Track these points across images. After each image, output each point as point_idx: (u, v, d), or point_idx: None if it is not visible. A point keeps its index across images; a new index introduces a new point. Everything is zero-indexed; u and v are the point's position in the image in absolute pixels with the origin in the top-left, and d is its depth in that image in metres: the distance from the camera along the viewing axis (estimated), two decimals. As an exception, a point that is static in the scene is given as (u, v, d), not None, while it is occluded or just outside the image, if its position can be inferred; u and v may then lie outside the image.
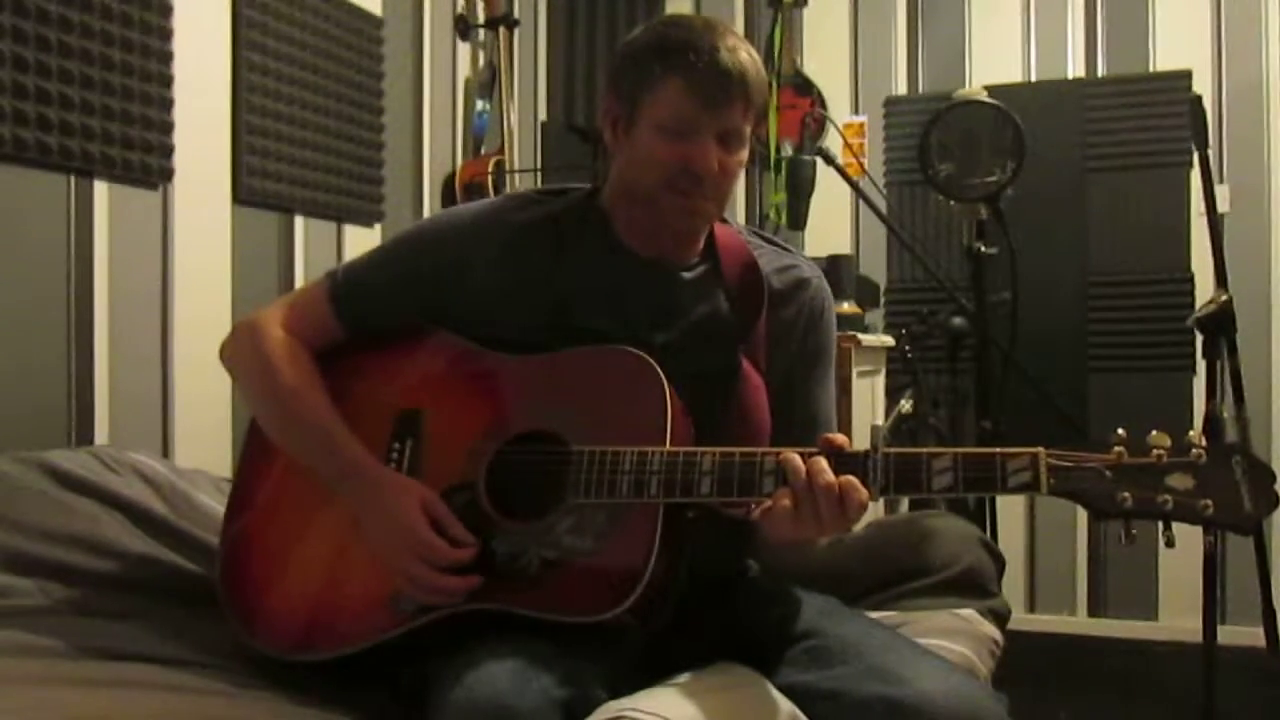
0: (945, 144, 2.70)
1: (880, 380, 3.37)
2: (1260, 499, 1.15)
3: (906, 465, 1.23)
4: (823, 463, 1.23)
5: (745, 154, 1.44)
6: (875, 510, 1.28)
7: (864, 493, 1.22)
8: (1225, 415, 2.43)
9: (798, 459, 1.24)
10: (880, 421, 3.18)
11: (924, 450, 1.24)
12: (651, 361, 1.35)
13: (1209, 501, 1.15)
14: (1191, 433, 1.18)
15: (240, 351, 1.54)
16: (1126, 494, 1.17)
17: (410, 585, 1.32)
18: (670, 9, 4.26)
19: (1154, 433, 1.18)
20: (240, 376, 1.55)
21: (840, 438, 1.27)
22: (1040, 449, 1.19)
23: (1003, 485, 1.20)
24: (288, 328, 1.51)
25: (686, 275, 1.49)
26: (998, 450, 1.21)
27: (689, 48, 1.37)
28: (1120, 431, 1.19)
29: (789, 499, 1.23)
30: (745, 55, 1.39)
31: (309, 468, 1.45)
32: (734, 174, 1.43)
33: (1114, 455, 1.18)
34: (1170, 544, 1.18)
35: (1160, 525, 1.18)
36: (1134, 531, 1.18)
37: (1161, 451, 1.17)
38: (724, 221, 1.54)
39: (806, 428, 1.47)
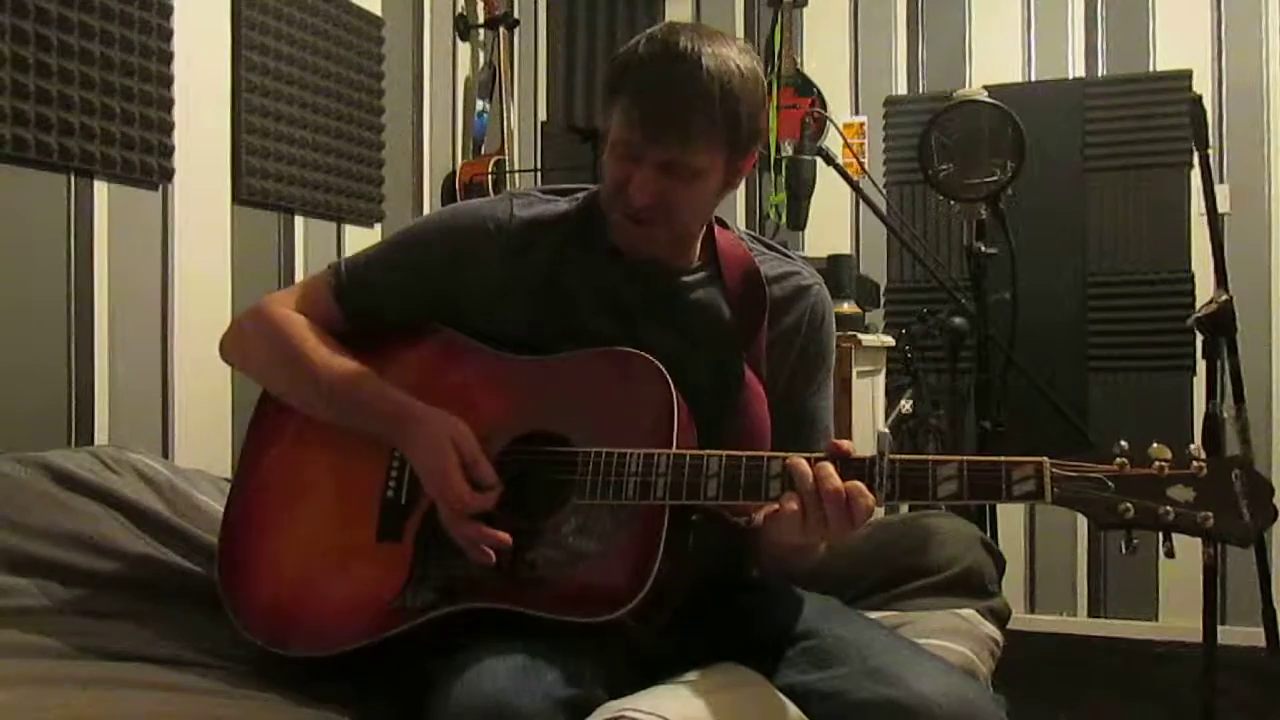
0: (945, 144, 2.69)
1: (880, 380, 3.37)
2: (1259, 512, 1.17)
3: (912, 472, 1.24)
4: (830, 468, 1.23)
5: (705, 186, 1.38)
6: (875, 510, 1.28)
7: (870, 498, 1.22)
8: (1225, 415, 2.43)
9: (805, 464, 1.24)
10: (881, 421, 3.17)
11: (930, 457, 1.25)
12: (658, 365, 1.35)
13: (1209, 514, 1.17)
14: (1192, 446, 1.20)
15: (251, 336, 1.53)
16: (1128, 505, 1.19)
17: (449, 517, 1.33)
18: (670, 10, 4.25)
19: (1155, 445, 1.20)
20: (256, 358, 1.54)
21: (847, 443, 1.27)
22: (1045, 459, 1.21)
23: (1008, 494, 1.21)
24: (296, 309, 1.52)
25: (687, 280, 1.49)
26: (1003, 460, 1.23)
27: (643, 69, 1.33)
28: (1123, 443, 1.21)
29: (796, 503, 1.24)
30: (702, 86, 1.30)
31: (351, 426, 1.44)
32: (682, 205, 1.38)
33: (1116, 466, 1.20)
34: (1170, 554, 1.20)
35: (1161, 536, 1.20)
36: (1135, 541, 1.20)
37: (1163, 464, 1.19)
38: (725, 226, 1.54)
39: (805, 434, 1.47)
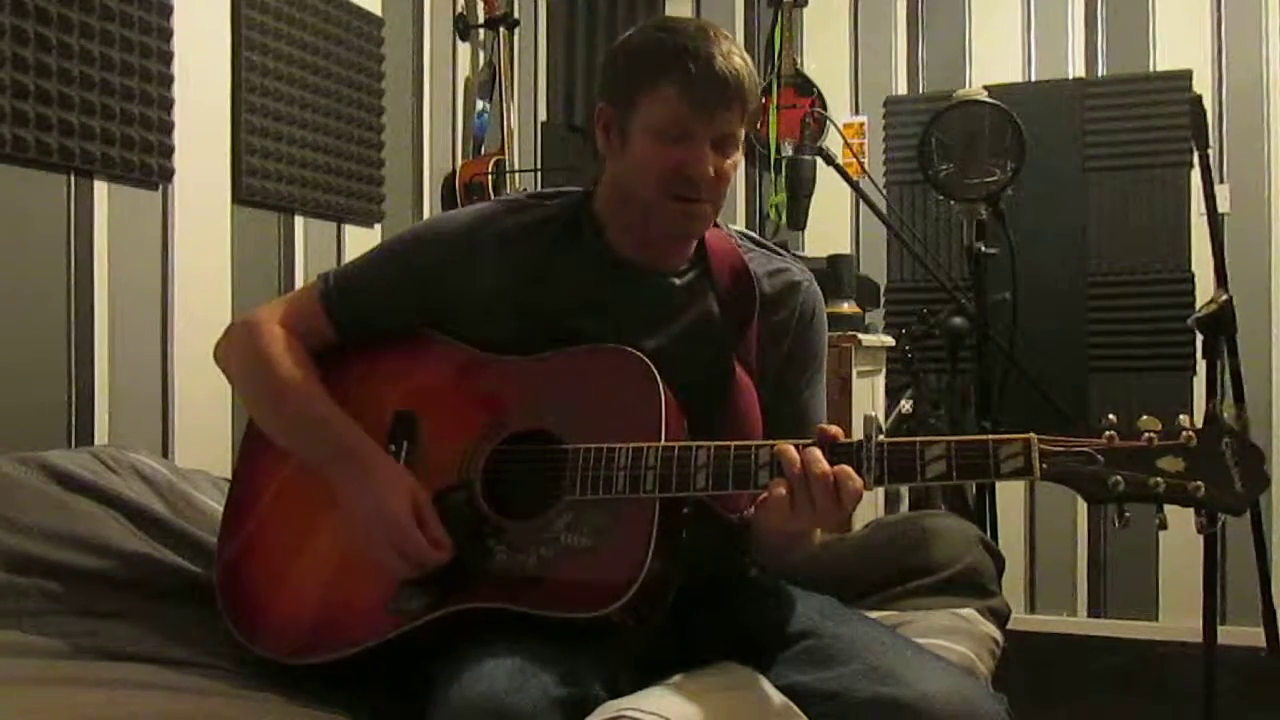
0: (945, 144, 2.70)
1: (880, 380, 3.37)
2: (1250, 479, 1.16)
3: (900, 453, 1.24)
4: (817, 453, 1.24)
5: (739, 156, 1.45)
6: (875, 510, 1.28)
7: (858, 481, 1.22)
8: (1225, 415, 2.43)
9: (793, 450, 1.25)
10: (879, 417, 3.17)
11: (917, 439, 1.25)
12: (646, 360, 1.36)
13: (1200, 483, 1.16)
14: (1181, 416, 1.19)
15: (234, 347, 1.54)
16: (1118, 477, 1.18)
17: (379, 560, 1.34)
18: (670, 9, 4.26)
19: (1144, 417, 1.19)
20: (235, 370, 1.55)
21: (835, 429, 1.27)
22: (1032, 435, 1.20)
23: (996, 471, 1.21)
24: (284, 325, 1.51)
25: (677, 281, 1.50)
26: (990, 437, 1.22)
27: (685, 53, 1.36)
28: (1111, 416, 1.20)
29: (783, 488, 1.24)
30: (739, 60, 1.39)
31: (305, 459, 1.45)
32: (729, 178, 1.43)
33: (1105, 439, 1.19)
34: (1163, 526, 1.19)
35: (1153, 508, 1.19)
36: (1128, 514, 1.19)
37: (1152, 435, 1.18)
38: (715, 225, 1.54)
39: (798, 431, 1.46)
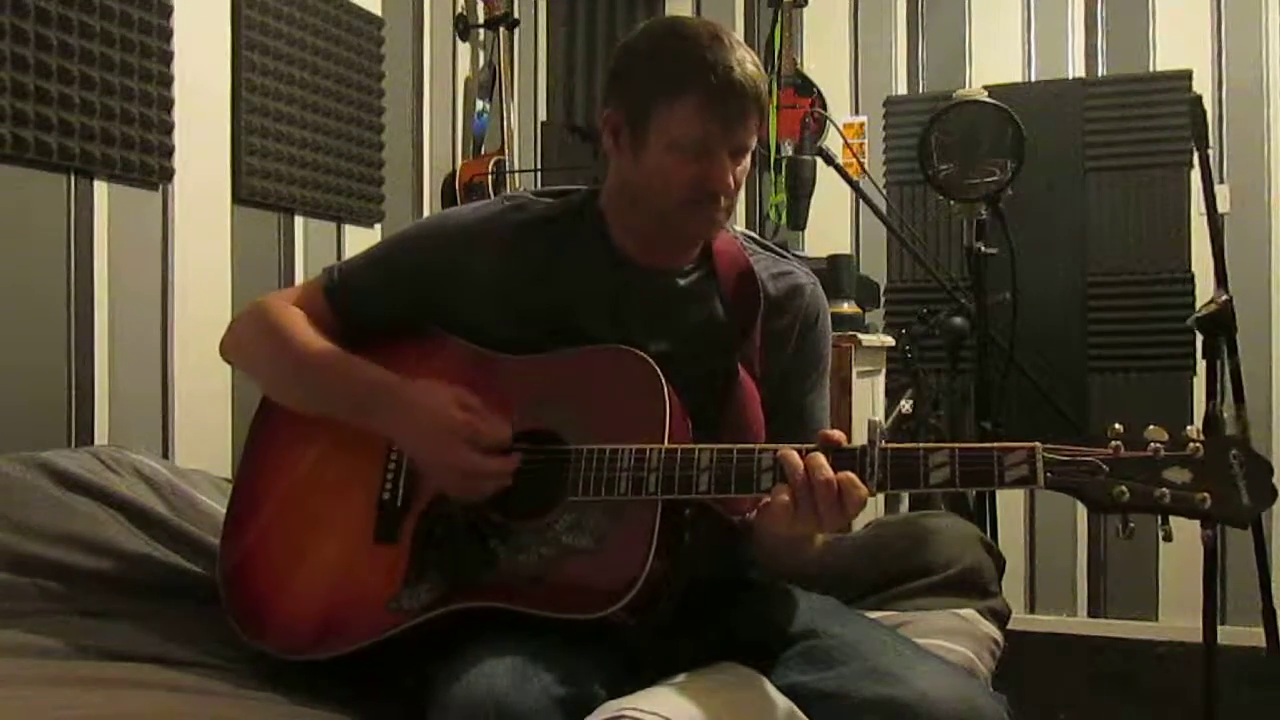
0: (945, 144, 2.70)
1: (880, 380, 3.37)
2: (1257, 492, 1.15)
3: (903, 460, 1.23)
4: (821, 459, 1.23)
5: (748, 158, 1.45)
6: (875, 510, 1.28)
7: (863, 489, 1.22)
8: (1225, 415, 2.43)
9: (795, 455, 1.24)
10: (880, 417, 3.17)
11: (921, 445, 1.24)
12: (650, 360, 1.35)
13: (1206, 495, 1.15)
14: (1189, 426, 1.18)
15: (245, 328, 1.55)
16: (1124, 488, 1.17)
17: (460, 478, 1.34)
18: (670, 9, 4.25)
19: (1151, 426, 1.18)
20: (247, 348, 1.55)
21: (838, 434, 1.27)
22: (1037, 443, 1.19)
23: (1000, 480, 1.20)
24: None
25: (682, 282, 1.49)
26: (995, 445, 1.21)
27: (704, 65, 1.34)
28: (1117, 425, 1.19)
29: (787, 495, 1.24)
30: (752, 66, 1.38)
31: (337, 414, 1.44)
32: (741, 182, 1.43)
33: (1111, 449, 1.18)
34: (1168, 538, 1.18)
35: (1158, 519, 1.18)
36: (1131, 525, 1.18)
37: (1158, 445, 1.17)
38: (721, 227, 1.55)
39: (800, 434, 1.46)
